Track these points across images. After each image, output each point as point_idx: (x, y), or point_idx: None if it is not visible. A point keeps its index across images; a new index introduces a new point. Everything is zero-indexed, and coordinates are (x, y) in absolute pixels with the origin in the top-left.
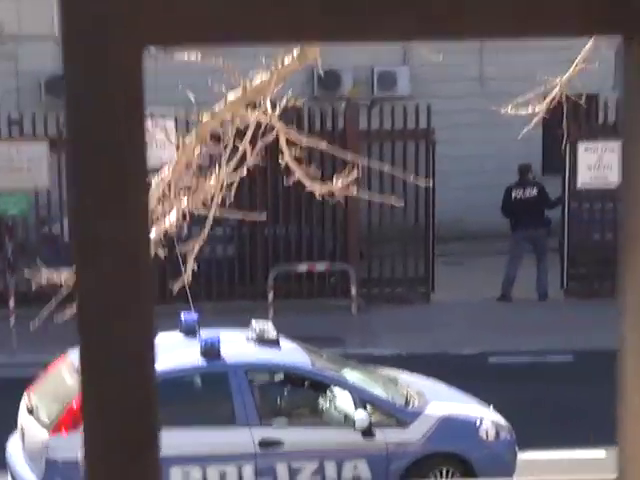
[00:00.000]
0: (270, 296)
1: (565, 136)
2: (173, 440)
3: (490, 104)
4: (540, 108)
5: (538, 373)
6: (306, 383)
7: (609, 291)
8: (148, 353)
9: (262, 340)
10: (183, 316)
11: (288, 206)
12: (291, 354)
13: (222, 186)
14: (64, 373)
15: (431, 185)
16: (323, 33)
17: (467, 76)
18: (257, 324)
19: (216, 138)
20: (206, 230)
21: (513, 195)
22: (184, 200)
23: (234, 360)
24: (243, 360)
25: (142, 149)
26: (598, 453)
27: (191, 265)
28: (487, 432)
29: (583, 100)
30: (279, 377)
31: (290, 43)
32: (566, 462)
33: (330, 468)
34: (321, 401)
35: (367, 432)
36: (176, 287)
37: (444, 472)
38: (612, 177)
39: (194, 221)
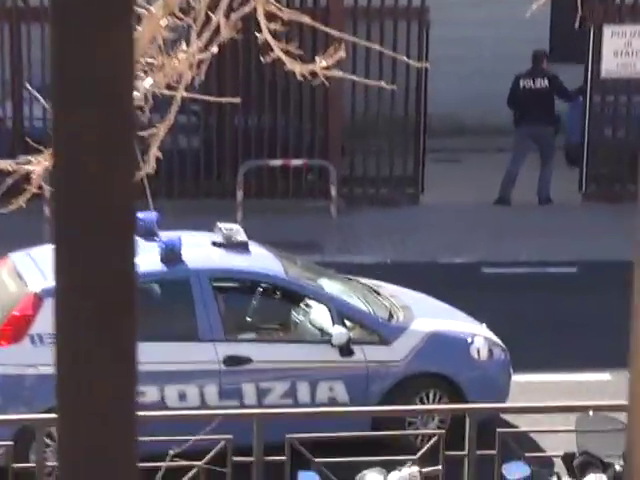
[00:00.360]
0: (239, 195)
1: (581, 17)
2: None
3: None
4: None
5: (537, 285)
6: (278, 293)
7: (632, 194)
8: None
9: (229, 244)
10: (140, 216)
11: (262, 92)
12: (262, 260)
13: (191, 65)
14: (4, 278)
15: (423, 71)
16: None
17: None
18: (224, 226)
19: (186, 8)
20: (172, 114)
21: (521, 84)
22: (146, 80)
23: (197, 265)
24: (207, 266)
25: None
26: (601, 376)
27: (154, 155)
28: (479, 351)
29: None
30: (247, 286)
31: None
32: (565, 385)
33: (303, 389)
34: (294, 314)
35: (345, 349)
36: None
37: (430, 395)
38: None
39: (155, 106)
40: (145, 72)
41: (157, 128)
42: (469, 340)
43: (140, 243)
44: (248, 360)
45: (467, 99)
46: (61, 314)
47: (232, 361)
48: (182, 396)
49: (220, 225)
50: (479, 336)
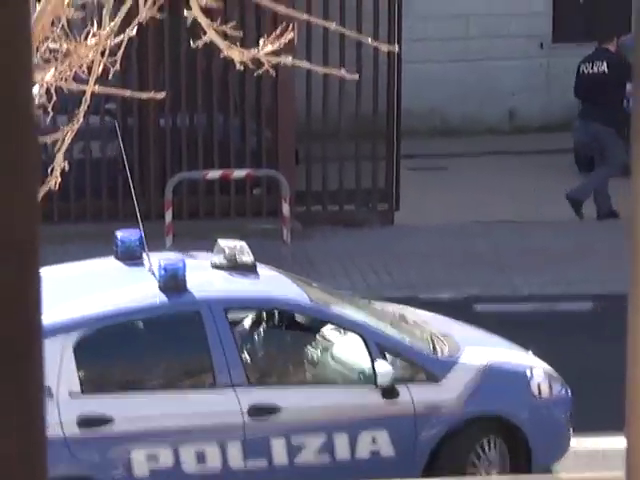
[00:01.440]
0: (168, 215)
1: None
2: (130, 411)
3: None
4: None
5: (545, 326)
6: (305, 324)
7: None
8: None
9: (233, 266)
10: (120, 235)
11: (193, 85)
12: (278, 285)
13: (104, 51)
14: None
15: (395, 57)
16: None
17: None
18: (225, 244)
19: None
20: (80, 114)
21: (581, 70)
22: (48, 71)
23: (208, 294)
24: (220, 294)
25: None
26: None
27: (59, 166)
28: (539, 386)
29: None
30: (269, 316)
31: None
32: (584, 453)
33: (341, 443)
34: (325, 348)
35: (390, 390)
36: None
37: (490, 443)
38: None
39: (62, 103)
40: (47, 61)
41: (63, 132)
42: (528, 373)
43: (124, 269)
44: (276, 409)
45: (452, 91)
46: None
47: (258, 411)
48: (200, 457)
49: (221, 243)
50: (537, 368)
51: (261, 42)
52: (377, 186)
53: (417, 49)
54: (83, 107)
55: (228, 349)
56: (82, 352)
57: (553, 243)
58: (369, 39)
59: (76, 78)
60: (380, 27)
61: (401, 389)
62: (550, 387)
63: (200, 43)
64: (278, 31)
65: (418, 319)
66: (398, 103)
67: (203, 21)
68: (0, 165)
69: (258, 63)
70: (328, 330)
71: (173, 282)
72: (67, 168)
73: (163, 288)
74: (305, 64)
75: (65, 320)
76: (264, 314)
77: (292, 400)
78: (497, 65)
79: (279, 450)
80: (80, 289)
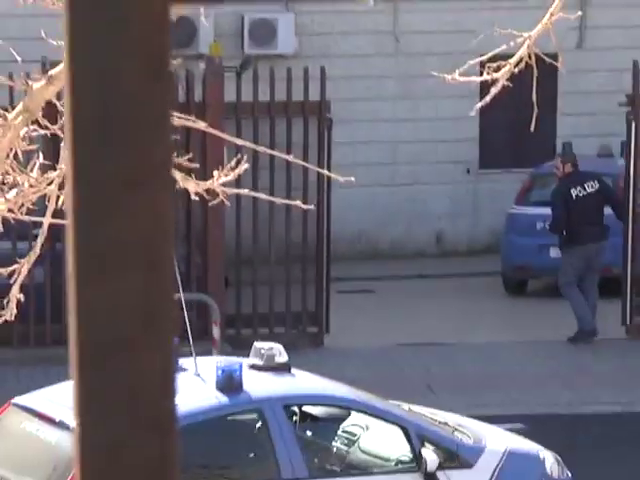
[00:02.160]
0: None
1: (536, 110)
2: None
3: (409, 67)
4: (497, 73)
5: None
6: (354, 418)
7: None
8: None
9: (271, 367)
10: None
11: None
12: (319, 383)
13: (62, 185)
14: (30, 429)
15: (325, 181)
16: None
17: (375, 28)
18: (262, 346)
19: (52, 112)
20: (38, 244)
21: (573, 194)
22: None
23: (266, 393)
24: (278, 392)
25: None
26: None
27: (16, 297)
28: (551, 468)
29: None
30: (321, 412)
31: None
32: None
33: None
34: (374, 439)
35: (432, 477)
36: None
37: None
38: None
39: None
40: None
41: (20, 264)
42: (541, 456)
43: None
44: None
45: (380, 216)
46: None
47: None
48: None
49: (258, 345)
50: (546, 452)
51: (215, 173)
52: (307, 309)
53: (345, 175)
54: (41, 239)
55: (290, 445)
56: None
57: (482, 366)
58: (299, 161)
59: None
60: (309, 152)
61: (440, 475)
62: (558, 469)
63: None
64: (233, 162)
65: (437, 413)
66: (328, 228)
67: None
68: None
69: (213, 193)
70: (375, 422)
71: (229, 382)
72: (22, 299)
73: (220, 389)
74: (263, 195)
75: None
76: (318, 410)
77: None
78: (424, 190)
79: None
80: None
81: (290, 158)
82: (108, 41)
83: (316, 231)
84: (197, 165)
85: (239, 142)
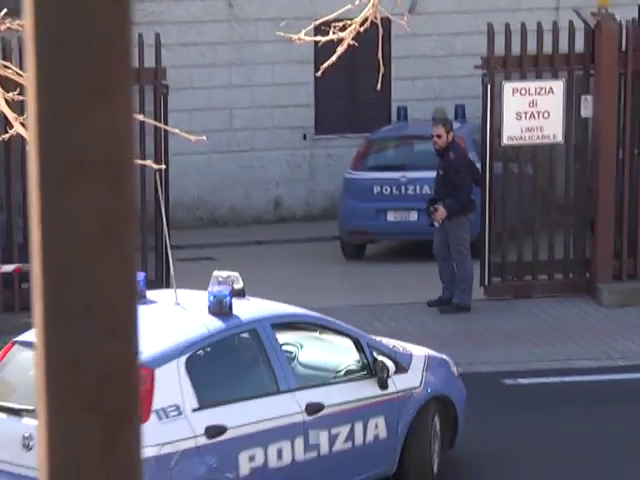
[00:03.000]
0: None
1: (381, 74)
2: (238, 419)
3: (244, 33)
4: (342, 33)
5: None
6: (322, 334)
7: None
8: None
9: (235, 293)
10: None
11: None
12: (285, 305)
13: None
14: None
15: (162, 150)
16: None
17: None
18: (220, 274)
19: None
20: None
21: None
22: None
23: (256, 314)
24: (264, 313)
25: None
26: None
27: None
28: (453, 368)
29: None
30: (299, 330)
31: None
32: None
33: (358, 430)
34: (337, 352)
35: (386, 382)
36: None
37: (436, 420)
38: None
39: None
40: None
41: None
42: (447, 359)
43: (145, 309)
44: (323, 406)
45: (217, 182)
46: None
47: (312, 410)
48: (280, 454)
49: (216, 273)
50: (445, 356)
51: None
52: (148, 277)
53: (181, 141)
54: None
55: (281, 359)
56: (192, 372)
57: None
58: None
59: None
60: (147, 116)
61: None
62: (456, 369)
63: (6, 136)
64: None
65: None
66: (166, 194)
67: (8, 113)
68: None
69: None
70: (335, 337)
71: (221, 307)
72: None
73: (214, 313)
74: None
75: (175, 345)
76: (297, 328)
77: (330, 397)
78: (262, 156)
79: (324, 442)
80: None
81: None
82: None
83: (154, 198)
84: None
85: None
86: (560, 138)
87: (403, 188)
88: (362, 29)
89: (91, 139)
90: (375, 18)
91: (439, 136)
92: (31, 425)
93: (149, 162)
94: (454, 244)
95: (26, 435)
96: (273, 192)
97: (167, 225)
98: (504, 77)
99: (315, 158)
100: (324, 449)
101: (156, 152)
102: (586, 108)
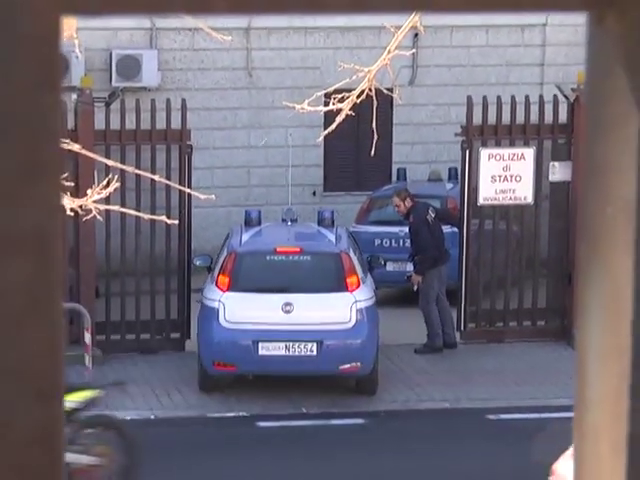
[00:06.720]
0: None
1: (376, 138)
2: None
3: (261, 100)
4: (341, 103)
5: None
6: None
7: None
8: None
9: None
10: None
11: None
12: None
13: None
14: None
15: (186, 201)
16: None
17: (230, 65)
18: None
19: None
20: None
21: (429, 220)
22: None
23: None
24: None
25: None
26: None
27: None
28: None
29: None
30: None
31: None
32: None
33: None
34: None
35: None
36: None
37: None
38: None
39: None
40: None
41: None
42: None
43: (284, 228)
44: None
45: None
46: None
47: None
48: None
49: (285, 209)
50: None
51: (89, 191)
52: (170, 317)
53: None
54: None
55: None
56: None
57: None
58: (162, 179)
59: None
60: (172, 176)
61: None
62: None
63: None
64: (105, 181)
65: None
66: (189, 243)
67: None
68: None
69: (87, 210)
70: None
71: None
72: None
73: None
74: (131, 211)
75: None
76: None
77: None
78: (275, 210)
79: None
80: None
81: (156, 178)
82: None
83: (178, 246)
84: (72, 184)
85: (109, 163)
86: (530, 200)
87: (401, 241)
88: (359, 100)
89: (21, 217)
90: (370, 91)
91: (397, 206)
92: None
93: (163, 217)
94: (423, 294)
95: None
96: None
97: (189, 271)
98: (481, 144)
99: None
100: None
101: (180, 205)
102: (554, 173)
